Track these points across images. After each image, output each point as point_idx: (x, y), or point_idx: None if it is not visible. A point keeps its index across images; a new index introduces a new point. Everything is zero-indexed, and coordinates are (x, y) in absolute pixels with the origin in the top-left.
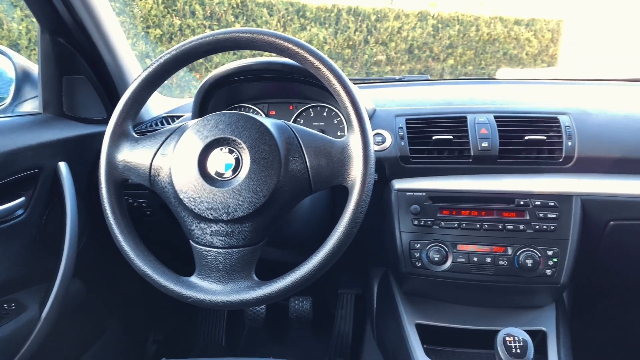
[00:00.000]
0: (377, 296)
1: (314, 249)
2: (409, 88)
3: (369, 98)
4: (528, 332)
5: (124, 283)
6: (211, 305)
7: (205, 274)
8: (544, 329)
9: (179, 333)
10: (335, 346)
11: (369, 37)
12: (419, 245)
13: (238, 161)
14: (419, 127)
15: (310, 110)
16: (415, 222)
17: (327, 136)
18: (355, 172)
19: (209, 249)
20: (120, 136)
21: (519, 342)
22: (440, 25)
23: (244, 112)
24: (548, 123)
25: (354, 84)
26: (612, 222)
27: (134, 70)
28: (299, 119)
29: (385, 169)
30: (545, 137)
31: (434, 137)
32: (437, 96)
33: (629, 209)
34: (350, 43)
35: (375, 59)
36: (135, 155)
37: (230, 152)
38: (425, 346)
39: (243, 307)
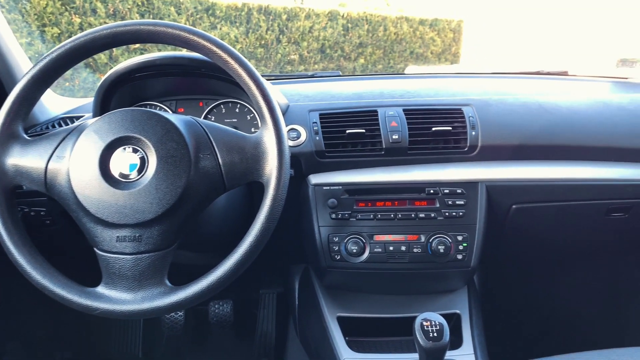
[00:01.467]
0: (298, 293)
1: (233, 249)
2: (321, 84)
3: (281, 94)
4: (444, 315)
5: (24, 299)
6: (122, 316)
7: (114, 282)
8: (458, 311)
9: (90, 349)
10: (259, 347)
11: (281, 36)
12: (337, 239)
13: (143, 161)
14: (332, 121)
15: (222, 106)
16: (333, 215)
17: (240, 132)
18: (270, 168)
19: (116, 256)
20: (8, 138)
21: (436, 326)
22: (350, 25)
23: (148, 109)
24: (453, 114)
25: (267, 80)
26: (514, 206)
27: (25, 67)
28: (209, 116)
29: (301, 164)
30: (450, 128)
31: (347, 131)
32: (348, 91)
33: (529, 193)
34: (263, 42)
35: (288, 58)
36: (27, 159)
37: (135, 151)
38: (347, 338)
39: (156, 315)
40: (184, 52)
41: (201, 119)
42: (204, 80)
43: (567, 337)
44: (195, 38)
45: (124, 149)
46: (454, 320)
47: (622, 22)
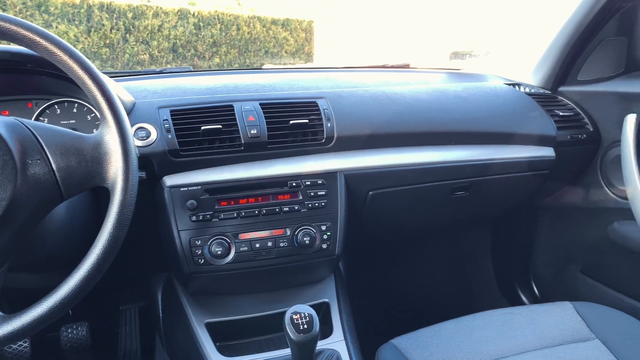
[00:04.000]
0: (162, 304)
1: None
2: (172, 79)
3: (125, 90)
4: (313, 306)
5: None
6: None
7: None
8: (326, 300)
9: None
10: None
11: (127, 35)
12: (199, 242)
13: None
14: (185, 118)
15: (56, 107)
16: (194, 217)
17: (76, 132)
18: (115, 170)
19: None
20: None
21: (305, 318)
22: (201, 24)
23: None
24: (309, 107)
25: (110, 77)
26: (371, 192)
27: None
28: (42, 118)
29: (153, 165)
30: (307, 121)
31: (202, 128)
32: (201, 86)
33: (383, 179)
34: (108, 42)
35: (137, 58)
36: None
37: None
38: (218, 344)
39: None
40: (4, 45)
41: (28, 120)
42: (32, 77)
43: (426, 311)
44: (11, 26)
45: None
46: (323, 309)
47: (454, 19)
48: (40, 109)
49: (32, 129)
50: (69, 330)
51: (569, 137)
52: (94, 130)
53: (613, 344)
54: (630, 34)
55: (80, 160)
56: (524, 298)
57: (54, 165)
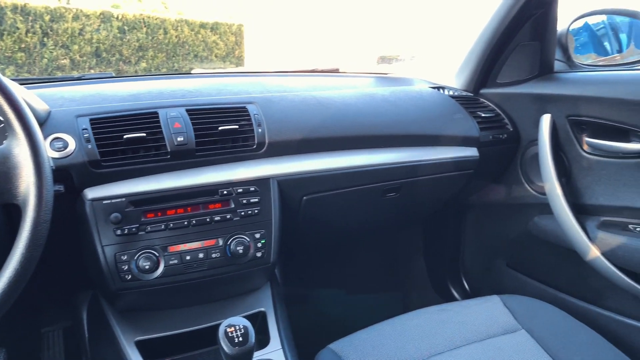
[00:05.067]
0: (87, 324)
1: None
2: (92, 86)
3: (38, 98)
4: (249, 316)
5: None
6: None
7: None
8: (263, 309)
9: None
10: None
11: (45, 39)
12: (125, 257)
13: None
14: (106, 126)
15: None
16: (118, 231)
17: None
18: (26, 185)
19: None
20: None
21: (240, 330)
22: (126, 28)
23: None
24: (238, 113)
25: (21, 84)
26: (305, 197)
27: None
28: None
29: (72, 177)
30: (237, 126)
31: (125, 136)
32: (124, 93)
33: (316, 184)
34: (23, 46)
35: (57, 63)
36: None
37: None
38: None
39: None
40: None
41: None
42: None
43: (364, 312)
44: None
45: None
46: (259, 319)
47: (381, 23)
48: None
49: None
50: None
51: (491, 137)
52: (3, 142)
53: (538, 333)
54: (542, 39)
55: None
56: (455, 293)
57: None
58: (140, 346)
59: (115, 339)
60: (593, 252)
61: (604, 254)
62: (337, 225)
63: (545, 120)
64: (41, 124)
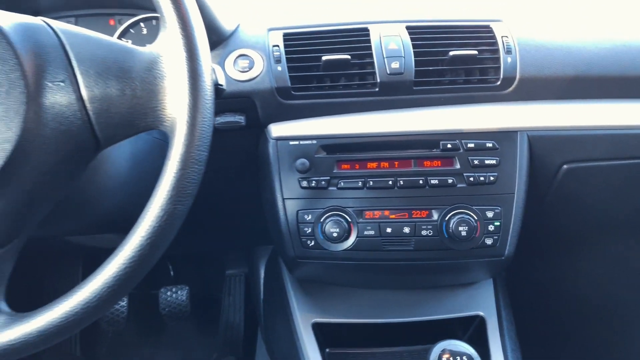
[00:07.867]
0: (264, 285)
1: None
2: None
3: (226, 11)
4: (462, 319)
5: None
6: None
7: None
8: (481, 313)
9: None
10: (223, 342)
11: None
12: (310, 217)
13: None
14: (302, 45)
15: (142, 25)
16: (304, 183)
17: (123, 43)
18: (176, 105)
19: None
20: None
21: None
22: None
23: None
24: (479, 34)
25: None
26: (565, 166)
27: None
28: (124, 40)
29: (256, 107)
30: (476, 52)
31: (324, 58)
32: (327, 2)
33: (588, 147)
34: None
35: None
36: None
37: None
38: (328, 350)
39: None
40: None
41: (57, 22)
42: None
43: (614, 334)
44: None
45: None
46: (475, 326)
47: None
48: (124, 26)
49: (61, 36)
50: (168, 294)
51: None
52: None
53: None
54: None
55: (123, 88)
56: None
57: (84, 93)
58: (318, 330)
59: (289, 314)
60: None
61: None
62: (601, 213)
63: None
64: (225, 38)
